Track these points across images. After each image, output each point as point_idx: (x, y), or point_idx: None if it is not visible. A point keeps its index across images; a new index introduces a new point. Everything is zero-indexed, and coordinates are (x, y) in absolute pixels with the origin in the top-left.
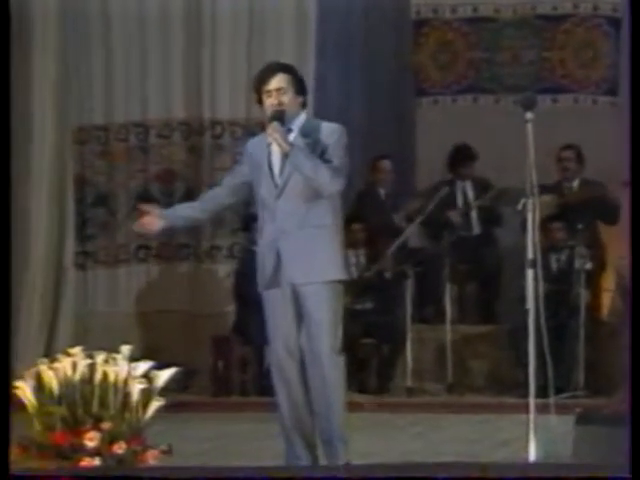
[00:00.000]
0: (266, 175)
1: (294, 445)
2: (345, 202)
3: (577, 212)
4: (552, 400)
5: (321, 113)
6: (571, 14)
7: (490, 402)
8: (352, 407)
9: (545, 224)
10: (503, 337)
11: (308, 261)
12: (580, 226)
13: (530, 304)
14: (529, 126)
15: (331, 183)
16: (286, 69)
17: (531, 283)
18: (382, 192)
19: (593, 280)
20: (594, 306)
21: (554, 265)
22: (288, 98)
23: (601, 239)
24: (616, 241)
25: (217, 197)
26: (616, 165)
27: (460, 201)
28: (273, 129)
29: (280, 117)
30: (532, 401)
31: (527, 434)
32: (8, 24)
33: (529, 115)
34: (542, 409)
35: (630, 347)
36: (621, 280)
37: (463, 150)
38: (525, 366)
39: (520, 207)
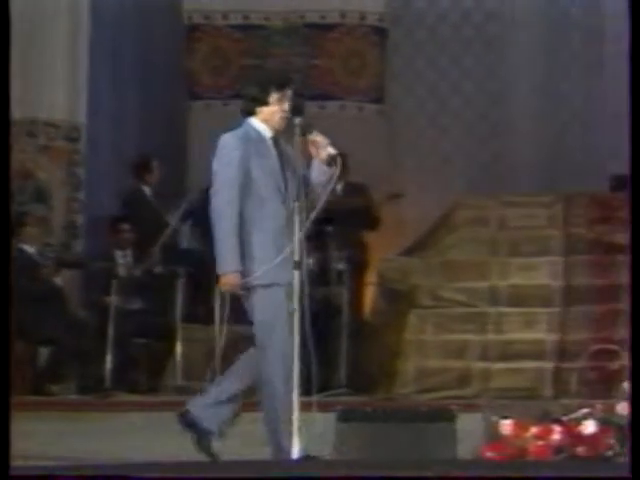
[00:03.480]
0: (275, 172)
1: (282, 437)
2: (113, 201)
3: (341, 215)
4: (315, 398)
5: (94, 114)
6: (339, 23)
7: (256, 400)
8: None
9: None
10: None
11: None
12: (329, 229)
13: (296, 304)
14: (297, 130)
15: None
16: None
17: (297, 284)
18: (148, 192)
19: (354, 281)
20: (355, 306)
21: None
22: (290, 108)
23: (363, 242)
24: (378, 243)
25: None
26: (382, 169)
27: None
28: (325, 140)
29: (314, 127)
30: (296, 399)
31: (291, 431)
32: (8, 24)
33: (297, 120)
34: (306, 407)
35: (630, 347)
36: (382, 281)
37: None
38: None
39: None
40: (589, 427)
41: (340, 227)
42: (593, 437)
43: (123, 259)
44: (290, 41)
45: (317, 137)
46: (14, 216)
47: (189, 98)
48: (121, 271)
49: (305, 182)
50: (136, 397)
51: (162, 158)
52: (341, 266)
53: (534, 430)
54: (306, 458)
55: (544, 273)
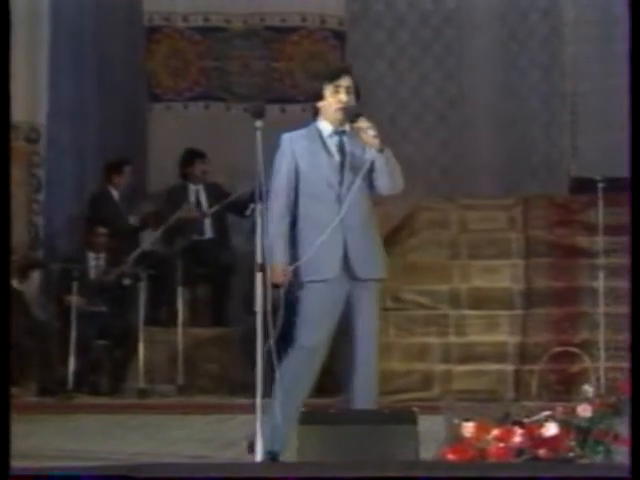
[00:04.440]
0: (326, 169)
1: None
2: (79, 204)
3: None
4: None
5: (55, 114)
6: (299, 27)
7: (220, 403)
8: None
9: None
10: (233, 339)
11: (370, 258)
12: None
13: (258, 307)
14: (258, 134)
15: (400, 185)
16: (351, 73)
17: (260, 286)
18: (116, 195)
19: None
20: None
21: None
22: (352, 99)
23: None
24: None
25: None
26: None
27: (194, 209)
28: (367, 123)
29: (360, 114)
30: (259, 401)
31: (254, 433)
32: (8, 24)
33: (258, 123)
34: (269, 409)
35: (630, 347)
36: None
37: (192, 152)
38: (254, 367)
39: (249, 212)
40: (550, 429)
41: None
42: (554, 439)
43: (95, 261)
44: (250, 44)
45: (362, 123)
46: None
47: (149, 100)
48: (92, 273)
49: (367, 177)
50: (98, 399)
51: (131, 161)
52: None
53: (495, 432)
54: (270, 460)
55: (505, 276)
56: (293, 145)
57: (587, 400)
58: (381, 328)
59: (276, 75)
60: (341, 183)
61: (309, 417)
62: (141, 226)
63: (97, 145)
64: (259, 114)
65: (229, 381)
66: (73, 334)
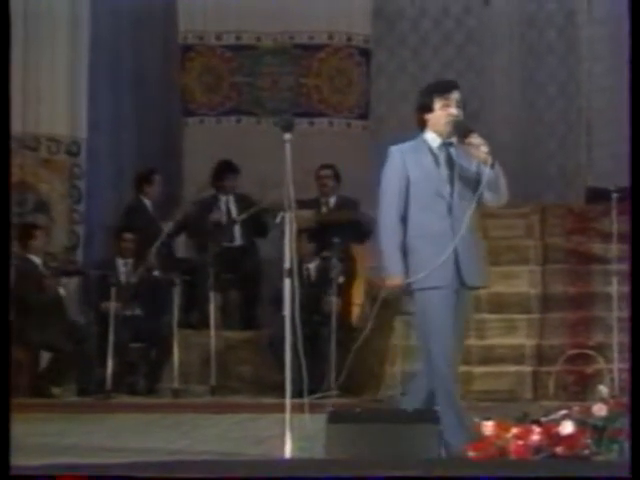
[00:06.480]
0: (437, 180)
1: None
2: (116, 212)
3: (333, 227)
4: (306, 400)
5: (94, 128)
6: (326, 44)
7: (250, 403)
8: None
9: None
10: (263, 342)
11: (476, 265)
12: (336, 240)
13: (287, 311)
14: (287, 146)
15: (505, 198)
16: (460, 88)
17: (288, 291)
18: (149, 204)
19: (344, 289)
20: (344, 313)
21: (305, 274)
22: (461, 113)
23: (352, 253)
24: (366, 254)
25: (398, 217)
26: (368, 182)
27: (224, 214)
28: (480, 140)
29: (473, 130)
30: (288, 401)
31: (284, 432)
32: (8, 24)
33: (287, 136)
34: (297, 409)
35: (630, 346)
36: (370, 289)
37: (225, 165)
38: (282, 369)
39: (278, 220)
40: (567, 428)
41: (339, 239)
42: (571, 437)
43: (124, 267)
44: (280, 60)
45: (475, 139)
46: (22, 228)
47: (184, 114)
48: (122, 278)
49: (475, 188)
50: (135, 399)
51: (159, 171)
52: (341, 279)
53: (514, 431)
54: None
55: (523, 281)
56: (404, 157)
57: (602, 400)
58: (404, 331)
59: (304, 90)
60: (452, 194)
61: (336, 416)
62: (175, 232)
63: (134, 157)
64: (288, 127)
65: (259, 382)
66: (111, 337)
